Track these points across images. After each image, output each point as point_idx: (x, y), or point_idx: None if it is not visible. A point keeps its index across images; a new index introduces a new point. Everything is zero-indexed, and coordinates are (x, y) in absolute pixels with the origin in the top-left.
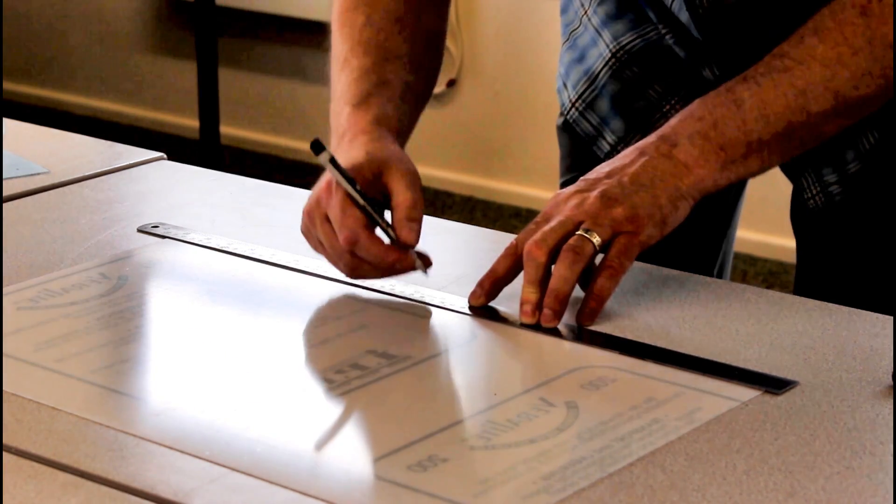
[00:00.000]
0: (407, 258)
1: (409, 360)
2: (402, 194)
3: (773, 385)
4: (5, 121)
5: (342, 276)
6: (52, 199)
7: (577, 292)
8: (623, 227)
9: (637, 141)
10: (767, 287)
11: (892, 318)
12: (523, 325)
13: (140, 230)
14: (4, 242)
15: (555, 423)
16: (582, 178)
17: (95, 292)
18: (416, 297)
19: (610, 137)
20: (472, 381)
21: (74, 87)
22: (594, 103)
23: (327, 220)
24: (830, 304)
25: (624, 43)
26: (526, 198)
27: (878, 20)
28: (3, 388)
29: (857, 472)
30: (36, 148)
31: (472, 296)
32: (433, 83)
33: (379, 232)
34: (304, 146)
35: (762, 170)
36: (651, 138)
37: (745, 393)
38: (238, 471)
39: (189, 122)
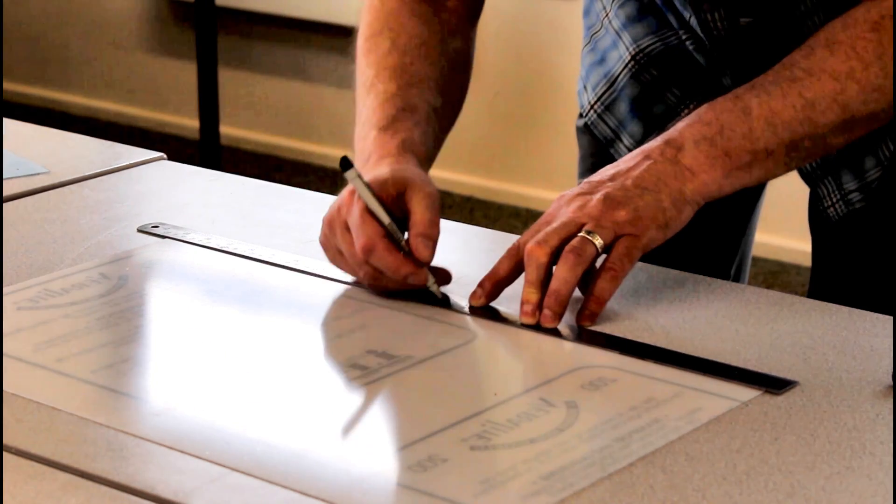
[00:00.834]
0: (420, 273)
1: (409, 360)
2: (420, 213)
3: (773, 385)
4: (5, 121)
5: (342, 276)
6: (52, 199)
7: (578, 293)
8: (625, 229)
9: None
10: (767, 287)
11: (892, 318)
12: (523, 326)
13: (140, 230)
14: (4, 242)
15: (555, 423)
16: (585, 180)
17: (95, 292)
18: (416, 296)
19: (627, 140)
20: (472, 381)
21: (74, 87)
22: (613, 106)
23: (347, 229)
24: (830, 304)
25: (644, 46)
26: (526, 198)
27: (889, 37)
28: (3, 388)
29: (857, 472)
30: (36, 148)
31: (473, 296)
32: (459, 106)
33: None
34: (304, 146)
35: (767, 178)
36: (656, 142)
37: (745, 393)
38: (238, 471)
39: (189, 122)
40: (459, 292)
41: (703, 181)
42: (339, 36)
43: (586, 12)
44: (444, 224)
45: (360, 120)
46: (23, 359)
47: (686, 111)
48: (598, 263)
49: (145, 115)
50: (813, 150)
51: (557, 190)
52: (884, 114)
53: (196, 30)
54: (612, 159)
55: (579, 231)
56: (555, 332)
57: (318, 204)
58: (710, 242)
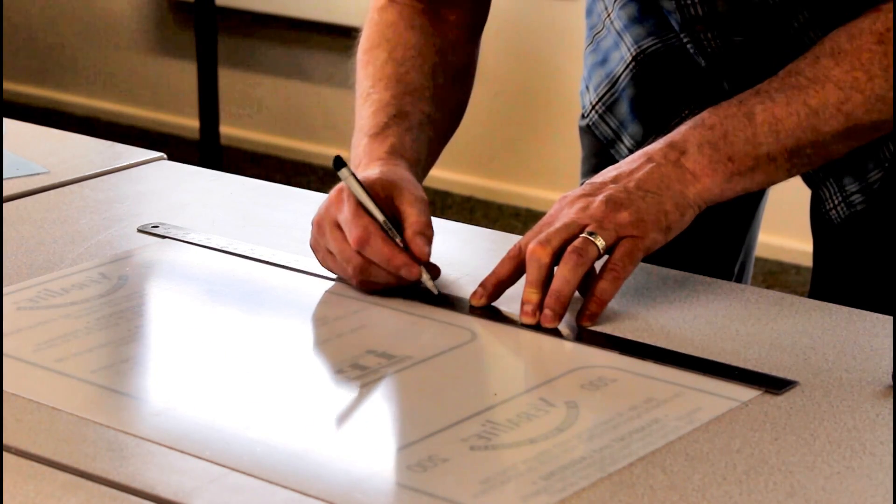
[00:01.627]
0: (414, 266)
1: (409, 360)
2: (414, 215)
3: (773, 385)
4: (5, 121)
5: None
6: (52, 199)
7: (578, 293)
8: (627, 231)
9: None
10: (768, 287)
11: (892, 318)
12: (524, 326)
13: (140, 230)
14: (4, 242)
15: (555, 423)
16: (588, 181)
17: (95, 292)
18: (416, 296)
19: (628, 141)
20: (472, 381)
21: (74, 87)
22: (614, 106)
23: (337, 226)
24: (830, 304)
25: (645, 47)
26: (526, 198)
27: (894, 48)
28: (3, 388)
29: (857, 472)
30: (36, 148)
31: (474, 296)
32: (458, 118)
33: None
34: (304, 146)
35: (767, 184)
36: (659, 144)
37: (745, 393)
38: (238, 471)
39: (189, 122)
40: (459, 292)
41: (706, 185)
42: (339, 36)
43: (589, 12)
44: (445, 224)
45: (356, 130)
46: (23, 359)
47: (687, 113)
48: (599, 266)
49: (145, 115)
50: (815, 157)
51: (558, 190)
52: (886, 124)
53: (196, 30)
54: (614, 160)
55: (581, 232)
56: (555, 332)
57: (317, 204)
58: (714, 242)
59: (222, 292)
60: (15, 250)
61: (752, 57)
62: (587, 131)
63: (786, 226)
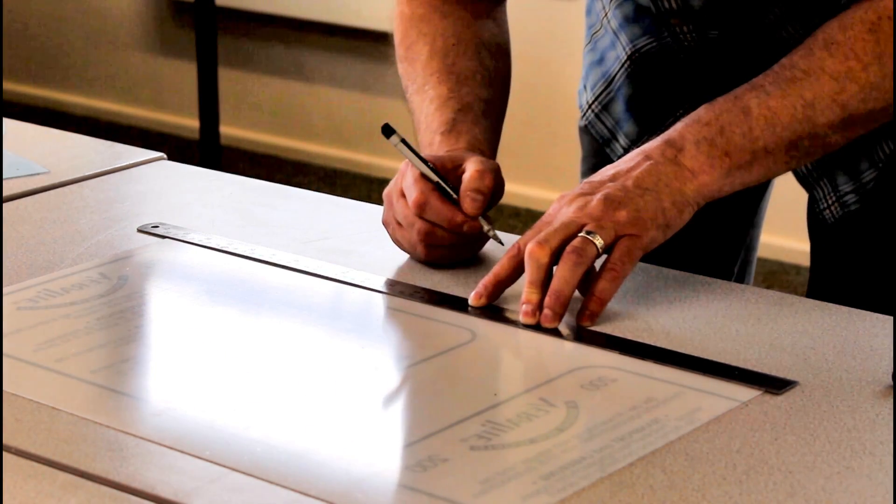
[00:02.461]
0: (475, 221)
1: (409, 360)
2: (470, 171)
3: (773, 385)
4: (5, 121)
5: (342, 276)
6: (52, 199)
7: (578, 293)
8: (626, 230)
9: None
10: (768, 287)
11: (892, 318)
12: (523, 326)
13: (140, 230)
14: (4, 242)
15: (555, 423)
16: (586, 180)
17: (95, 292)
18: (417, 296)
19: (623, 140)
20: (472, 381)
21: (74, 87)
22: (609, 106)
23: (402, 196)
24: (830, 304)
25: (640, 46)
26: (526, 198)
27: (887, 37)
28: (3, 388)
29: (857, 472)
30: (36, 148)
31: (474, 296)
32: (508, 89)
33: None
34: (304, 146)
35: (766, 178)
36: (656, 142)
37: (745, 393)
38: (238, 471)
39: (189, 122)
40: (460, 292)
41: (704, 181)
42: (339, 36)
43: (588, 12)
44: None
45: (421, 128)
46: (23, 359)
47: (681, 112)
48: (598, 264)
49: (145, 115)
50: (812, 149)
51: (558, 190)
52: (883, 112)
53: (196, 30)
54: (610, 160)
55: (580, 231)
56: (555, 332)
57: (318, 204)
58: (714, 241)
59: (222, 292)
60: (15, 250)
61: (729, 51)
62: (585, 131)
63: (786, 226)
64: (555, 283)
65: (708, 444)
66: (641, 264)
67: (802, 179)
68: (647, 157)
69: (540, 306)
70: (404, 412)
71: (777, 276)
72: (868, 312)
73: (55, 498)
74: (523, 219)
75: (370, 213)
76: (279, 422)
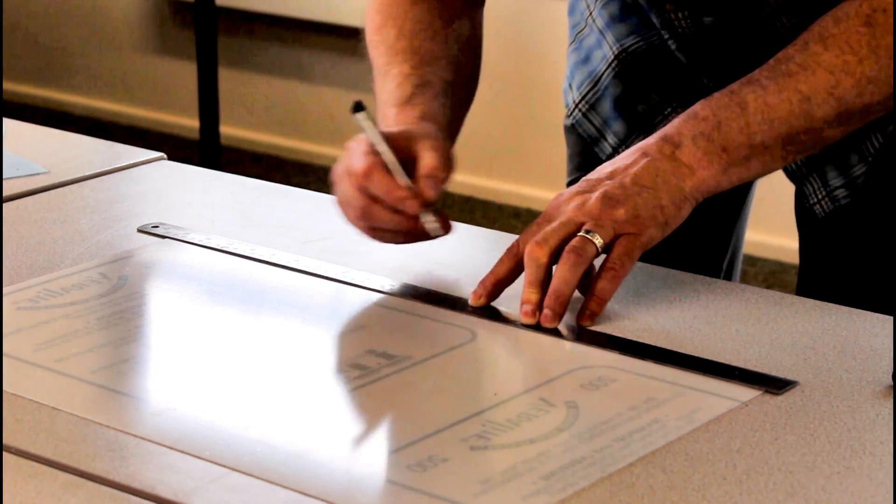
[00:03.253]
0: (414, 200)
1: (409, 360)
2: (427, 158)
3: (773, 385)
4: (5, 121)
5: (342, 276)
6: (52, 199)
7: (578, 293)
8: (625, 228)
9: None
10: (768, 287)
11: (892, 318)
12: (523, 325)
13: (140, 230)
14: (4, 242)
15: (555, 423)
16: (584, 178)
17: (95, 292)
18: (417, 296)
19: (611, 139)
20: (472, 381)
21: (74, 87)
22: (597, 105)
23: (349, 173)
24: (830, 304)
25: (627, 45)
26: (526, 198)
27: (882, 30)
28: (3, 388)
29: (857, 472)
30: (36, 148)
31: (473, 296)
32: (474, 87)
33: None
34: (304, 146)
35: (763, 173)
36: (653, 139)
37: (745, 393)
38: (238, 471)
39: (189, 122)
40: (459, 292)
41: (702, 177)
42: (339, 36)
43: (571, 10)
44: None
45: (379, 104)
46: (23, 359)
47: (670, 111)
48: (598, 263)
49: (145, 115)
50: (809, 143)
51: (557, 189)
52: (879, 105)
53: (196, 30)
54: (597, 158)
55: (579, 230)
56: (555, 332)
57: (318, 204)
58: (701, 237)
59: (222, 292)
60: (15, 250)
61: (722, 41)
62: (571, 130)
63: (786, 226)
64: (554, 283)
65: (708, 444)
66: (642, 264)
67: (792, 174)
68: (645, 153)
69: (540, 306)
70: (404, 412)
71: (777, 276)
72: (868, 312)
73: (55, 498)
74: (523, 219)
75: None
76: (279, 422)
